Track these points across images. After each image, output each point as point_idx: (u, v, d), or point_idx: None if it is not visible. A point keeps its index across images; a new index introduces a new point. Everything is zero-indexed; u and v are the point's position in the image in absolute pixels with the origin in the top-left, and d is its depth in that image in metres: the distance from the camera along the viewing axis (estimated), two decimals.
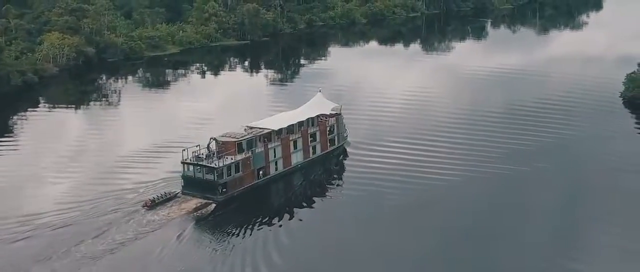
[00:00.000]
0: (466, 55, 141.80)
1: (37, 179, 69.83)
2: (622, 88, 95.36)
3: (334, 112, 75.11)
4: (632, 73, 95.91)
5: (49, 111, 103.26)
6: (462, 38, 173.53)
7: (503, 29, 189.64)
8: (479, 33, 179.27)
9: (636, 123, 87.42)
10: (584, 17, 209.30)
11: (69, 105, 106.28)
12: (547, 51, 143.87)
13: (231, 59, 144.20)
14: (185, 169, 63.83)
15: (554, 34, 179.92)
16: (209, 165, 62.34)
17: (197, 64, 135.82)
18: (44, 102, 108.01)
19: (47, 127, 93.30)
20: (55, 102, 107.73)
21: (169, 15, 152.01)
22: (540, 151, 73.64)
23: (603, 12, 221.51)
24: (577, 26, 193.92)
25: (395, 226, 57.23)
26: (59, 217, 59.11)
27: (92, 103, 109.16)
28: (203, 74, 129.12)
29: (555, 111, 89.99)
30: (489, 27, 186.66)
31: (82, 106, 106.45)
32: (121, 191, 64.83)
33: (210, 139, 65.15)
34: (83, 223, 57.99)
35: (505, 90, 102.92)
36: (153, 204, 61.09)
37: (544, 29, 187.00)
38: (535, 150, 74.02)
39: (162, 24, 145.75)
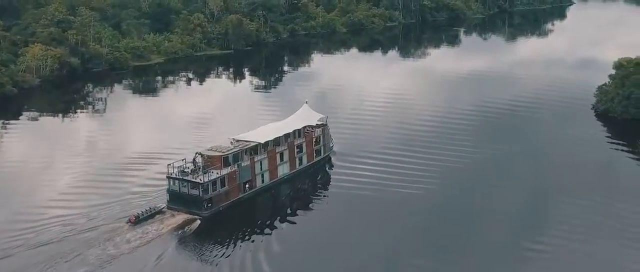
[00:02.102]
0: (441, 61, 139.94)
1: (12, 194, 63.62)
2: (593, 100, 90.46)
3: (320, 123, 70.56)
4: (603, 85, 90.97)
5: (26, 122, 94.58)
6: (437, 45, 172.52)
7: (475, 37, 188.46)
8: (453, 40, 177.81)
9: (608, 136, 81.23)
10: (549, 25, 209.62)
11: (48, 117, 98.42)
12: (517, 57, 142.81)
13: (215, 68, 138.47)
14: (171, 184, 58.87)
15: (522, 41, 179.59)
16: (193, 180, 57.39)
17: (182, 73, 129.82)
18: (21, 114, 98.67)
19: (23, 138, 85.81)
20: (33, 113, 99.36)
21: (157, 26, 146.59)
22: (515, 161, 70.54)
23: (567, 21, 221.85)
24: (544, 33, 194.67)
25: (382, 235, 53.69)
26: (36, 235, 53.60)
27: (73, 114, 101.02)
28: (188, 83, 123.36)
29: (528, 121, 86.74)
30: (462, 35, 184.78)
31: (62, 117, 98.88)
32: (104, 205, 59.40)
33: (196, 153, 60.23)
34: (63, 241, 52.64)
35: (479, 98, 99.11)
36: (137, 220, 56.16)
37: (513, 37, 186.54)
38: (510, 159, 71.06)
39: (149, 34, 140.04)
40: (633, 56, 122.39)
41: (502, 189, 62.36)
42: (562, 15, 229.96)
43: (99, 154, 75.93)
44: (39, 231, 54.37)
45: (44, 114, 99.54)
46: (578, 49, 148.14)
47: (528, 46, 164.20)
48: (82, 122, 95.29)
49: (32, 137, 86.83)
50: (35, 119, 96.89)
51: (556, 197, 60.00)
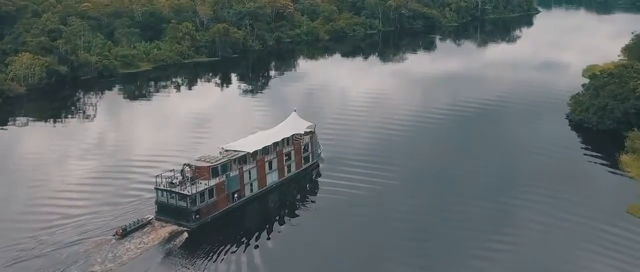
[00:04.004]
0: (418, 66, 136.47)
1: None
2: (567, 109, 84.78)
3: (308, 131, 66.15)
4: (577, 94, 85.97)
5: (8, 130, 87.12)
6: (415, 51, 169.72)
7: (449, 43, 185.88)
8: (429, 47, 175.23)
9: (585, 147, 74.16)
10: (518, 32, 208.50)
11: (32, 125, 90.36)
12: (488, 61, 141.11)
13: (202, 74, 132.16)
14: (159, 195, 54.05)
15: (493, 46, 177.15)
16: (181, 192, 52.56)
17: (170, 81, 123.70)
18: (5, 122, 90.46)
19: (4, 147, 78.94)
20: (17, 121, 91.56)
21: (149, 34, 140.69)
22: (494, 170, 65.72)
23: (534, 28, 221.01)
24: (513, 39, 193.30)
25: (369, 241, 50.10)
26: (16, 250, 48.38)
27: (58, 121, 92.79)
28: (177, 89, 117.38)
29: (504, 130, 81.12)
30: (437, 42, 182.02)
31: (46, 125, 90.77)
32: (89, 217, 54.26)
33: (184, 164, 55.40)
34: (45, 256, 47.70)
35: (457, 104, 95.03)
36: (124, 233, 51.23)
37: (485, 43, 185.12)
38: (489, 168, 66.32)
39: (140, 42, 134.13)
40: (601, 62, 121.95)
41: (478, 198, 57.93)
42: (529, 23, 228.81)
43: (83, 163, 69.74)
44: (20, 245, 49.36)
45: (28, 122, 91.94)
46: (546, 53, 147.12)
47: (498, 51, 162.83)
48: (66, 130, 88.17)
49: (14, 145, 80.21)
50: (19, 126, 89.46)
51: (530, 208, 55.73)
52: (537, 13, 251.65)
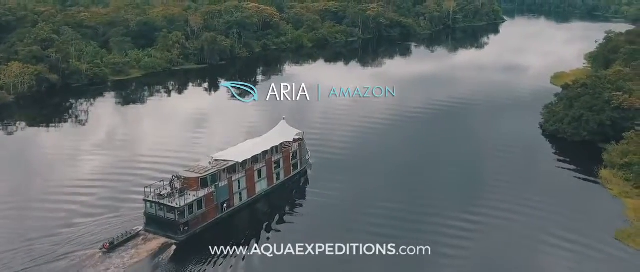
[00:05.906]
0: (397, 69, 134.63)
1: None
2: (540, 118, 77.91)
3: (297, 138, 61.63)
4: (550, 104, 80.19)
5: None
6: (392, 57, 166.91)
7: (423, 49, 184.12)
8: (405, 52, 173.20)
9: (561, 159, 68.22)
10: (485, 39, 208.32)
11: (20, 132, 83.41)
12: (459, 65, 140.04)
13: (191, 81, 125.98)
14: (148, 207, 48.95)
15: (463, 52, 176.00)
16: (169, 204, 47.55)
17: (159, 88, 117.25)
18: None
19: None
20: (1, 129, 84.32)
21: (142, 42, 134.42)
22: (465, 182, 60.30)
23: (500, 35, 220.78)
24: (481, 46, 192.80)
25: (357, 244, 45.90)
26: None
27: (45, 129, 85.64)
28: (167, 96, 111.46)
29: (481, 141, 75.31)
30: (413, 48, 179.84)
31: (33, 132, 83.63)
32: (75, 229, 48.86)
33: (173, 176, 50.36)
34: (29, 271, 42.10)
35: (436, 108, 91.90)
36: (112, 246, 46.07)
37: (455, 49, 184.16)
38: (461, 179, 61.05)
39: (133, 50, 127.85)
40: (567, 69, 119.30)
41: (456, 211, 53.31)
42: (496, 31, 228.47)
43: (69, 172, 63.67)
44: (2, 260, 43.60)
45: (17, 129, 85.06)
46: (513, 59, 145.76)
47: (468, 56, 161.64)
48: (54, 137, 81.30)
49: None
50: (7, 134, 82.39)
51: (516, 223, 51.08)
52: (503, 22, 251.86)
